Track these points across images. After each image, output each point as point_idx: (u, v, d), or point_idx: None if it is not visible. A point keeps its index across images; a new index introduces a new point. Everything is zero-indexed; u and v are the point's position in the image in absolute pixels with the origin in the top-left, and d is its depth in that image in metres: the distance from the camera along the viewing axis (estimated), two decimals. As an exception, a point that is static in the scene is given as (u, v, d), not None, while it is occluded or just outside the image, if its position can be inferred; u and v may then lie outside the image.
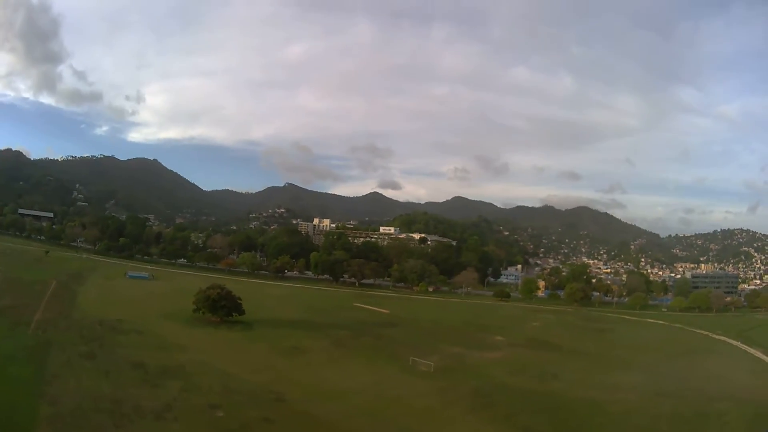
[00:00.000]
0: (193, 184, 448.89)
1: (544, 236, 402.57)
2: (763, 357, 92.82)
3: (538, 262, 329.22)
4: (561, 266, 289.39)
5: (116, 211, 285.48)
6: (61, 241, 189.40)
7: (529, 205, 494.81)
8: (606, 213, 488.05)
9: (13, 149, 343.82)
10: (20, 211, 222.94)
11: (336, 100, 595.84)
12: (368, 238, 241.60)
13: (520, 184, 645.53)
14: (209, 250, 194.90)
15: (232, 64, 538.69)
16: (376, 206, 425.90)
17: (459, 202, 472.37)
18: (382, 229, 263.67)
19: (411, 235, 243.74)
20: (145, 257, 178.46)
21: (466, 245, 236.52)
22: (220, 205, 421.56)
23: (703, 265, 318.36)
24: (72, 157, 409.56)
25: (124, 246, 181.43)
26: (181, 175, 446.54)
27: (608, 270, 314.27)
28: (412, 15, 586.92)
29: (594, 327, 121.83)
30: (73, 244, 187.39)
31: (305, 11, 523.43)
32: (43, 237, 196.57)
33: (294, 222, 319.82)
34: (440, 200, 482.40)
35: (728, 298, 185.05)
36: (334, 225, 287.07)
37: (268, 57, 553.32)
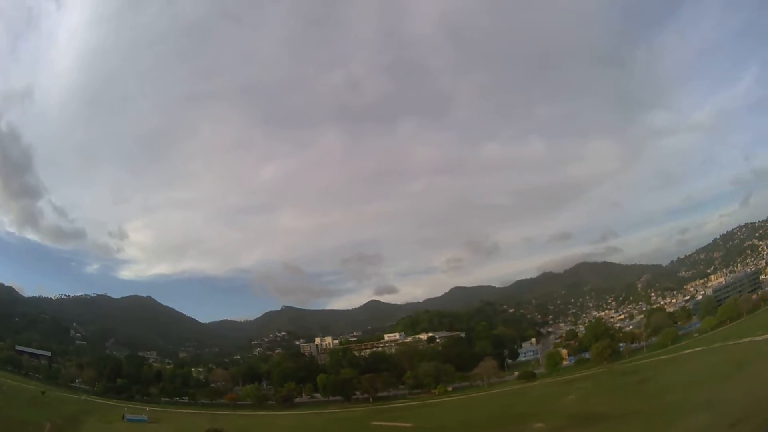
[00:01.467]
0: (191, 318, 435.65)
1: (549, 303, 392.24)
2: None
3: (550, 330, 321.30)
4: (575, 328, 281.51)
5: (116, 349, 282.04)
6: (59, 381, 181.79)
7: (528, 277, 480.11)
8: (604, 262, 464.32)
9: (5, 284, 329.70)
10: (17, 347, 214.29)
11: (317, 215, 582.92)
12: (374, 348, 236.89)
13: (513, 258, 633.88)
14: (211, 385, 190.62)
15: (209, 194, 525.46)
16: (376, 314, 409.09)
17: (458, 292, 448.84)
18: (386, 337, 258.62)
19: (418, 336, 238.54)
20: (145, 397, 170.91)
21: (475, 334, 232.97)
22: (222, 335, 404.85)
23: (712, 276, 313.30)
24: (66, 295, 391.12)
25: (122, 387, 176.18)
26: (177, 310, 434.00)
27: (621, 317, 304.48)
28: (376, 116, 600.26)
29: (633, 380, 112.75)
30: (71, 384, 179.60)
31: (272, 130, 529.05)
32: (40, 376, 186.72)
33: (297, 343, 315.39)
34: (439, 294, 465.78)
35: (754, 296, 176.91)
36: (337, 341, 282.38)
37: (244, 181, 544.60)
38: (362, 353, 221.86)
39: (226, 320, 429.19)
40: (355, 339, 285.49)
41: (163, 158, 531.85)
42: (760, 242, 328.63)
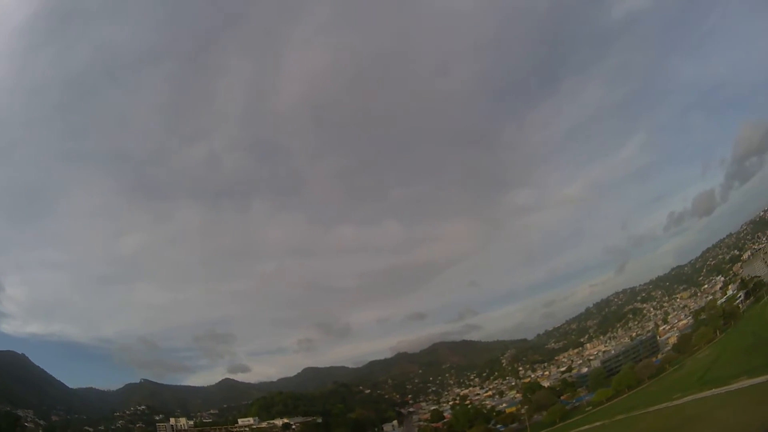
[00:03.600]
0: (60, 382, 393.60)
1: (407, 382, 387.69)
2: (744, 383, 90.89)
3: (411, 410, 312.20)
4: (438, 407, 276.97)
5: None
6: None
7: (382, 358, 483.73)
8: (463, 340, 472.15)
9: None
10: None
11: (173, 290, 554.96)
12: None
13: (367, 339, 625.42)
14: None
15: (76, 258, 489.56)
16: (230, 393, 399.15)
17: (311, 372, 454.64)
18: (240, 421, 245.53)
19: (273, 422, 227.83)
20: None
21: (332, 418, 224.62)
22: (88, 403, 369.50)
23: (588, 344, 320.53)
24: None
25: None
26: (48, 371, 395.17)
27: (488, 393, 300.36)
28: (233, 193, 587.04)
29: None
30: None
31: (136, 199, 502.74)
32: None
33: (156, 418, 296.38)
34: (292, 374, 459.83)
35: (654, 359, 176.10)
36: (192, 422, 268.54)
37: (106, 250, 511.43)
38: None
39: (92, 388, 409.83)
40: (210, 420, 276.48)
41: (39, 215, 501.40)
42: (644, 305, 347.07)
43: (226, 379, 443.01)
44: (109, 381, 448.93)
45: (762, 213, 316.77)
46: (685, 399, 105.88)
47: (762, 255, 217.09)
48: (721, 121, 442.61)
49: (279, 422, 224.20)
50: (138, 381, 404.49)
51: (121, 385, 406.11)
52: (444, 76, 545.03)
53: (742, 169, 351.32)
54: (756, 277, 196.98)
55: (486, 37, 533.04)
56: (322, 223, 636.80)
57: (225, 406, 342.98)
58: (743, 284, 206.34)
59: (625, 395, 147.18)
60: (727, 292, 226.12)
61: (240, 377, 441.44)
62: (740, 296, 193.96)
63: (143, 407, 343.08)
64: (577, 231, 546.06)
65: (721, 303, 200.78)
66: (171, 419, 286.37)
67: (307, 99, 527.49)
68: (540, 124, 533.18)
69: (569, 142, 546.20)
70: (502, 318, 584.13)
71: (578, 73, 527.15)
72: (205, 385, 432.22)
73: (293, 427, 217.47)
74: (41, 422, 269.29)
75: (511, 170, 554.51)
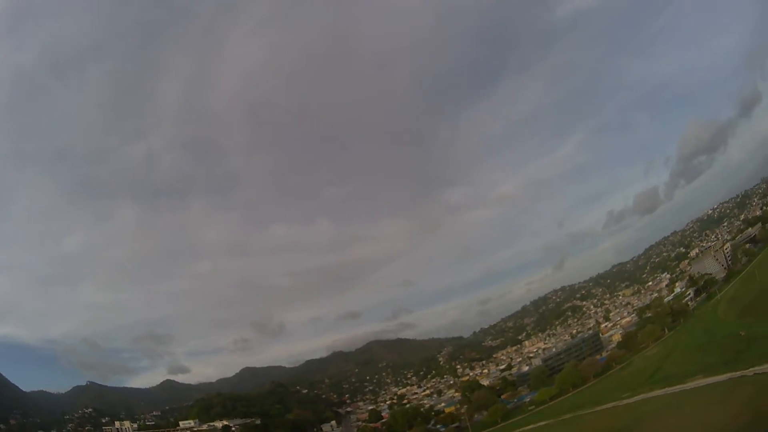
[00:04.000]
0: (15, 385, 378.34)
1: (343, 382, 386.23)
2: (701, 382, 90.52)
3: (349, 410, 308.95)
4: (376, 406, 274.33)
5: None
6: None
7: (317, 357, 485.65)
8: (398, 339, 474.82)
9: None
10: None
11: (113, 290, 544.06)
12: None
13: (302, 338, 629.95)
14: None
15: (20, 259, 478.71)
16: (172, 394, 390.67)
17: (248, 372, 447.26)
18: (181, 424, 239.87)
19: (213, 424, 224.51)
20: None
21: (271, 419, 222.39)
22: (40, 406, 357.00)
23: (526, 342, 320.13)
24: None
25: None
26: (3, 374, 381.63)
27: (426, 392, 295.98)
28: (171, 192, 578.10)
29: None
30: None
31: (77, 199, 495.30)
32: None
33: (103, 421, 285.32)
34: (230, 375, 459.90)
35: (599, 357, 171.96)
36: (135, 424, 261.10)
37: (49, 250, 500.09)
38: None
39: (43, 391, 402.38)
40: (153, 423, 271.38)
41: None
42: (583, 302, 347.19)
43: (167, 380, 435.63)
44: (58, 383, 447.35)
45: (710, 211, 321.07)
46: (636, 398, 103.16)
47: (713, 252, 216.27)
48: (667, 120, 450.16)
49: (219, 424, 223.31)
50: (84, 383, 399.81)
51: (69, 388, 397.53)
52: (380, 74, 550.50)
53: (689, 167, 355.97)
54: (707, 274, 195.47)
55: (424, 35, 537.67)
56: (257, 221, 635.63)
57: (167, 407, 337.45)
58: (693, 282, 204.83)
59: (570, 394, 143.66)
60: (675, 289, 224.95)
61: (180, 378, 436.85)
62: (690, 294, 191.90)
63: (90, 410, 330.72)
64: (513, 229, 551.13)
65: (669, 300, 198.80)
66: (116, 422, 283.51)
67: (243, 97, 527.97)
68: (477, 122, 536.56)
69: (507, 141, 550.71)
70: (437, 316, 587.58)
71: (519, 71, 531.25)
72: (148, 386, 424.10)
73: (233, 429, 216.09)
74: (1, 426, 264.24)
75: (446, 169, 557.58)
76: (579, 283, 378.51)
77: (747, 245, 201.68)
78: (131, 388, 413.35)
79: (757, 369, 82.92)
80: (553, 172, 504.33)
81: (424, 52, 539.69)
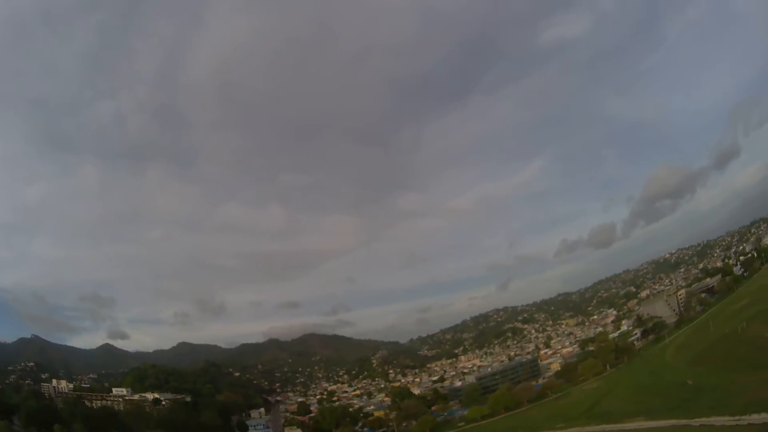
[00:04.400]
0: None
1: (276, 370, 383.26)
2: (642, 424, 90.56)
3: (279, 398, 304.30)
4: (306, 399, 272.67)
5: None
6: None
7: (253, 341, 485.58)
8: (335, 335, 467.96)
9: None
10: None
11: (67, 246, 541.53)
12: (105, 401, 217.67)
13: (240, 321, 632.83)
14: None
15: None
16: (109, 359, 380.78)
17: (185, 347, 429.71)
18: (114, 390, 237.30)
19: (144, 395, 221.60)
20: None
21: (201, 399, 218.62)
22: None
23: (462, 357, 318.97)
24: None
25: None
26: None
27: (357, 392, 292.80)
28: (133, 155, 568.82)
29: None
30: None
31: (43, 149, 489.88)
32: None
33: (43, 377, 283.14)
34: (166, 347, 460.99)
35: (534, 383, 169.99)
36: (72, 384, 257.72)
37: (11, 197, 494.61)
38: (93, 404, 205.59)
39: None
40: (89, 386, 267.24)
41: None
42: (525, 325, 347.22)
43: (107, 344, 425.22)
44: (5, 332, 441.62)
45: (668, 255, 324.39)
46: (571, 429, 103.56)
47: (665, 297, 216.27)
48: (636, 160, 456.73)
49: (150, 396, 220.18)
50: (29, 336, 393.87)
51: (15, 339, 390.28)
52: (356, 70, 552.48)
53: (651, 209, 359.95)
54: (657, 317, 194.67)
55: (406, 37, 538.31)
56: (212, 198, 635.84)
57: (103, 371, 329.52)
58: (641, 322, 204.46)
59: (501, 416, 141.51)
60: (621, 327, 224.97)
61: (119, 344, 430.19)
62: (636, 333, 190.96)
63: (32, 364, 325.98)
64: (463, 243, 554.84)
65: (614, 337, 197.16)
66: (53, 381, 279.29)
67: (218, 73, 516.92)
68: (444, 132, 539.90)
69: (470, 155, 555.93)
70: (376, 318, 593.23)
71: (493, 89, 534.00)
72: (87, 347, 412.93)
73: (163, 403, 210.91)
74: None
75: (405, 173, 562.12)
76: (522, 305, 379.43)
77: (703, 294, 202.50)
78: (72, 347, 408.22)
79: (704, 420, 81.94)
80: (511, 193, 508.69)
81: (403, 54, 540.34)
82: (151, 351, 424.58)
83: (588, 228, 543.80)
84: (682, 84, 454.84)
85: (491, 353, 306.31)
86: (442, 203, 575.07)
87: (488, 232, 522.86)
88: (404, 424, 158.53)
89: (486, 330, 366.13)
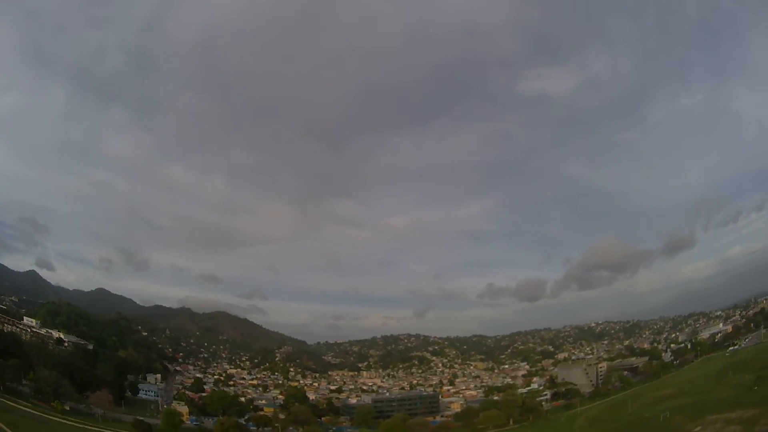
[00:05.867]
0: None
1: (183, 339, 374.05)
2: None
3: (178, 368, 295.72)
4: (203, 376, 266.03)
5: None
6: None
7: (167, 305, 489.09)
8: (246, 319, 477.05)
9: None
10: None
11: (24, 163, 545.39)
12: (16, 327, 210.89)
13: (159, 282, 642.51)
14: None
15: None
16: (33, 286, 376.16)
17: (102, 293, 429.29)
18: (25, 320, 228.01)
19: (51, 332, 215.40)
20: None
21: (103, 351, 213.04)
22: None
23: (365, 372, 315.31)
24: None
25: None
26: None
27: (254, 381, 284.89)
28: (102, 90, 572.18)
29: None
30: None
31: (23, 60, 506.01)
32: None
33: None
34: (87, 289, 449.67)
35: (431, 419, 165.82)
36: None
37: None
38: (5, 327, 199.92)
39: None
40: (5, 308, 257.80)
41: None
42: (434, 357, 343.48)
43: (32, 271, 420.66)
44: None
45: (593, 324, 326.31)
46: None
47: (584, 365, 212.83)
48: (584, 225, 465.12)
49: (56, 335, 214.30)
50: None
51: None
52: (332, 68, 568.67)
53: (587, 276, 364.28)
54: (571, 384, 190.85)
55: (387, 49, 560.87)
56: (163, 154, 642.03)
57: (24, 297, 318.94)
58: (553, 384, 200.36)
59: None
60: (531, 383, 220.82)
61: (44, 274, 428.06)
62: (547, 394, 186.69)
63: None
64: (389, 261, 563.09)
65: (523, 393, 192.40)
66: None
67: (202, 36, 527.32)
68: (398, 151, 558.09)
69: (418, 179, 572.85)
70: (290, 312, 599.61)
71: (459, 122, 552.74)
72: (15, 269, 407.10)
73: (65, 344, 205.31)
74: None
75: (350, 181, 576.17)
76: (435, 337, 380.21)
77: (625, 372, 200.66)
78: (2, 265, 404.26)
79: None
80: (448, 226, 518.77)
81: (381, 65, 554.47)
82: (71, 289, 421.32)
83: (518, 278, 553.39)
84: (650, 165, 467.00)
85: (394, 376, 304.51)
86: (378, 219, 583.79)
87: (416, 258, 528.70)
88: (290, 428, 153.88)
89: (394, 352, 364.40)
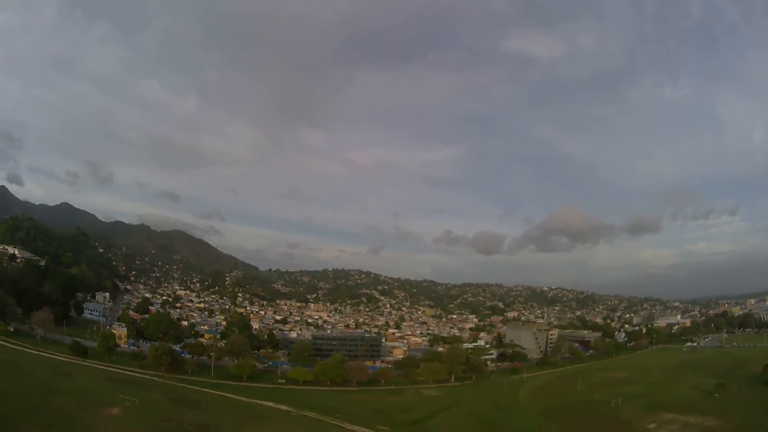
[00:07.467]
0: None
1: (138, 257, 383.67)
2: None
3: (129, 287, 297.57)
4: (152, 296, 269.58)
5: None
6: None
7: (127, 222, 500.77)
8: (202, 240, 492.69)
9: None
10: None
11: (18, 76, 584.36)
12: None
13: (122, 197, 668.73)
14: None
15: None
16: (2, 200, 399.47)
17: (66, 208, 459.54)
18: None
19: (7, 248, 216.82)
20: None
21: (55, 268, 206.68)
22: None
23: (312, 304, 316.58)
24: None
25: None
26: None
27: (201, 305, 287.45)
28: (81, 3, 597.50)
29: (193, 422, 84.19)
30: None
31: None
32: None
33: None
34: (51, 204, 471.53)
35: (371, 363, 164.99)
36: None
37: None
38: None
39: None
40: None
41: None
42: (382, 297, 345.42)
43: (2, 186, 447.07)
44: None
45: (546, 288, 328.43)
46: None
47: (535, 330, 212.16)
48: (551, 188, 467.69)
49: (11, 250, 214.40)
50: None
51: None
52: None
53: (546, 239, 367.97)
54: (519, 346, 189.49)
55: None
56: (139, 68, 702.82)
57: None
58: (500, 343, 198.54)
59: (324, 387, 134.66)
60: (478, 338, 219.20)
61: (13, 189, 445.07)
62: (493, 353, 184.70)
63: None
64: (349, 194, 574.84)
65: (468, 348, 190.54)
66: None
67: None
68: (373, 85, 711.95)
69: (388, 116, 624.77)
70: (245, 237, 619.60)
71: (441, 66, 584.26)
72: None
73: (17, 260, 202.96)
74: None
75: (320, 110, 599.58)
76: (386, 276, 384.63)
77: (576, 345, 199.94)
78: None
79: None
80: (412, 167, 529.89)
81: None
82: (37, 204, 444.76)
83: (476, 229, 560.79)
84: (623, 144, 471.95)
85: (341, 312, 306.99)
86: (343, 152, 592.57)
87: (377, 195, 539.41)
88: (225, 358, 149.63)
89: (343, 287, 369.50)
